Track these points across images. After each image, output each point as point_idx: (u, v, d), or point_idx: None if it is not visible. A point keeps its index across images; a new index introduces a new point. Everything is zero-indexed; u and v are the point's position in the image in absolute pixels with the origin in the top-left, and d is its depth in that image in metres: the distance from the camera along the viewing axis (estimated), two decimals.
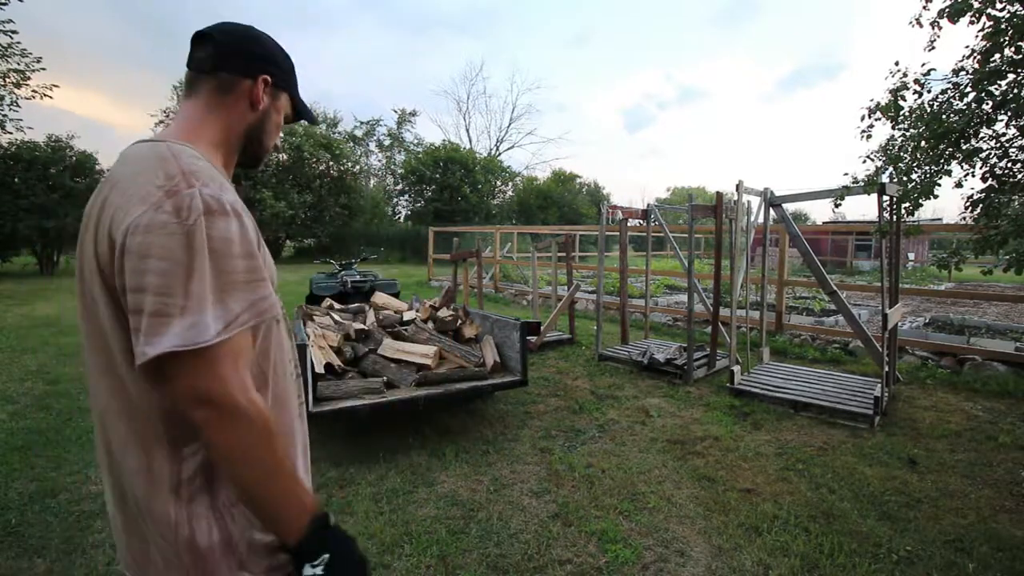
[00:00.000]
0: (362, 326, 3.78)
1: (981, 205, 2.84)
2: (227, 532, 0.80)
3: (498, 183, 28.98)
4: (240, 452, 0.73)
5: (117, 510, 0.85)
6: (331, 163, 22.50)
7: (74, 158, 14.10)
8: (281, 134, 1.08)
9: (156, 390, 0.77)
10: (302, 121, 1.10)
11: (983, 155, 2.77)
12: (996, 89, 2.64)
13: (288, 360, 0.95)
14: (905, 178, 3.14)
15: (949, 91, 2.86)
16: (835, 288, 4.66)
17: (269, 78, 0.95)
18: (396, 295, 5.44)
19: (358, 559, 0.84)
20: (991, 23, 2.59)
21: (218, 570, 0.79)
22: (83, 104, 59.35)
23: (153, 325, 0.70)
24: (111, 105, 62.88)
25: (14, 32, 11.68)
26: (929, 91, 2.97)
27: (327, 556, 0.78)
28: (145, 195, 0.73)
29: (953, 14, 2.71)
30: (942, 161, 2.93)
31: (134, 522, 0.82)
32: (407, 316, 4.15)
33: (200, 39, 0.92)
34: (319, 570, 0.77)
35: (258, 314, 0.78)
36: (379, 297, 4.71)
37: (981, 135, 2.78)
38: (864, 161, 3.41)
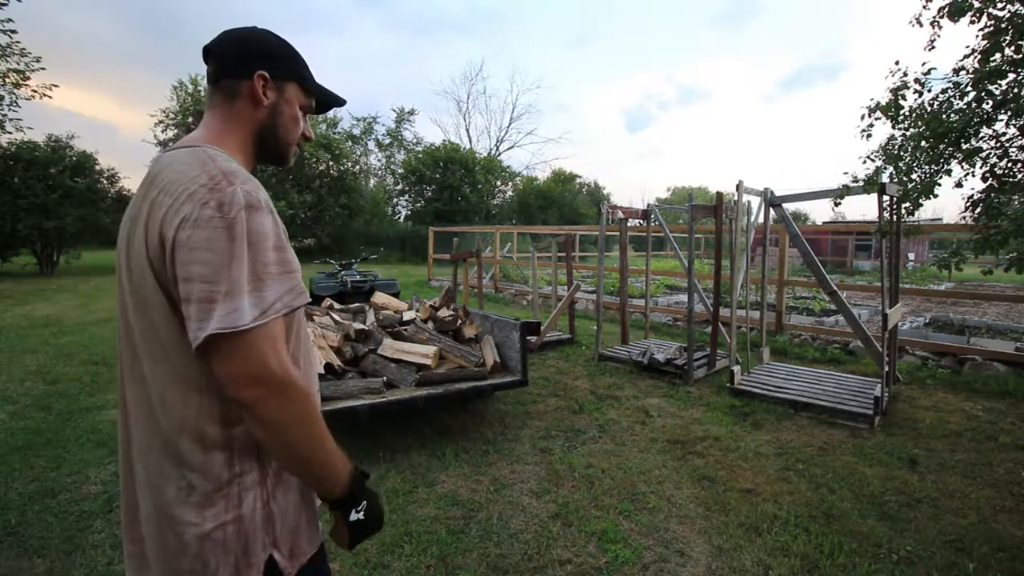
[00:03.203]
0: (362, 326, 3.77)
1: (981, 205, 2.83)
2: (269, 509, 0.87)
3: (498, 183, 28.99)
4: (292, 422, 0.80)
5: (147, 500, 0.86)
6: (331, 163, 22.49)
7: (74, 158, 14.10)
8: (308, 124, 1.05)
9: (212, 373, 0.83)
10: (333, 109, 1.11)
11: (983, 155, 2.76)
12: (996, 88, 2.64)
13: (311, 349, 1.02)
14: (905, 178, 3.13)
15: (949, 90, 2.86)
16: (835, 288, 4.66)
17: (266, 72, 0.95)
18: (396, 295, 5.45)
19: (381, 506, 0.97)
20: (991, 22, 2.59)
21: (255, 544, 0.85)
22: (89, 105, 59.63)
23: (201, 311, 0.76)
24: (115, 105, 63.09)
25: (13, 32, 11.69)
26: (929, 90, 2.97)
27: (365, 503, 0.91)
28: (192, 194, 0.79)
29: (953, 13, 2.70)
30: (942, 161, 2.92)
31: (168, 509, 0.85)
32: (407, 316, 4.14)
33: (206, 54, 0.96)
34: (362, 515, 0.90)
35: (290, 302, 0.83)
36: (379, 297, 4.71)
37: (981, 135, 2.78)
38: (864, 161, 3.40)
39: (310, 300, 1.02)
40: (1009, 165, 2.73)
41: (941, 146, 2.84)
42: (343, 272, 6.06)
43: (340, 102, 1.10)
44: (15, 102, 12.48)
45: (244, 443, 0.85)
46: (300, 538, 0.92)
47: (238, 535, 0.84)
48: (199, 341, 0.75)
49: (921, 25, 2.92)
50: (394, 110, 35.13)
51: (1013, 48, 2.54)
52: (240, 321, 0.76)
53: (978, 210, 2.86)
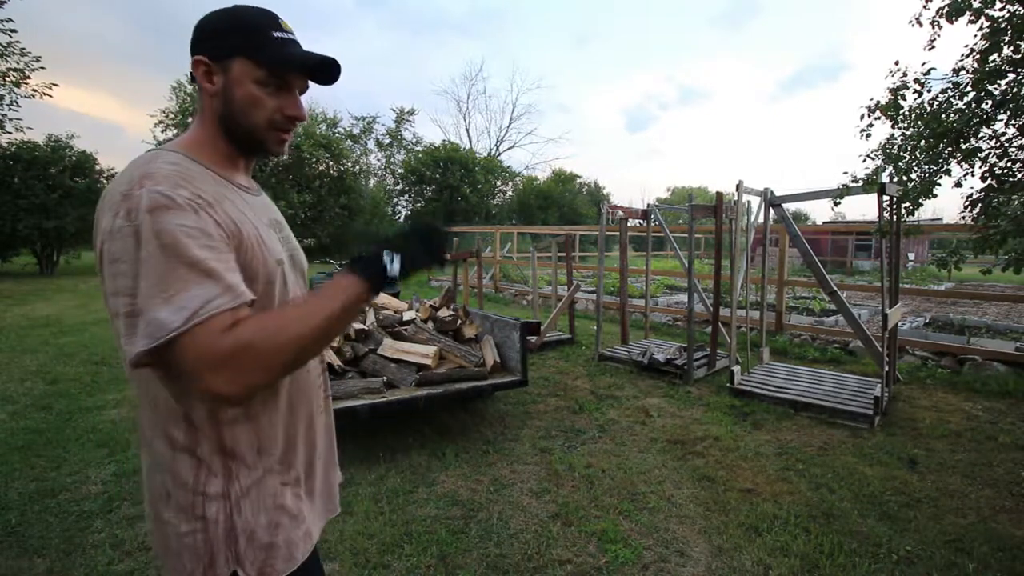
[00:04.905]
0: (362, 326, 3.77)
1: (980, 204, 2.84)
2: (232, 523, 0.84)
3: (498, 183, 28.96)
4: (278, 349, 0.73)
5: (145, 499, 0.90)
6: (331, 163, 22.47)
7: (74, 158, 14.09)
8: (294, 101, 0.91)
9: (158, 382, 0.82)
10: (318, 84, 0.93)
11: (983, 155, 2.76)
12: (995, 88, 2.64)
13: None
14: (905, 177, 3.13)
15: (949, 90, 2.86)
16: (835, 288, 4.66)
17: (204, 56, 0.86)
18: (396, 295, 5.44)
19: (427, 224, 0.90)
20: (990, 23, 2.59)
21: (218, 557, 0.83)
22: (94, 106, 59.88)
23: (127, 325, 0.72)
24: (120, 106, 63.31)
25: (13, 31, 11.69)
26: (929, 90, 2.97)
27: (395, 255, 0.84)
28: (112, 204, 0.76)
29: (951, 13, 2.71)
30: (941, 160, 2.92)
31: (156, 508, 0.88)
32: (407, 316, 4.14)
33: None
34: (396, 264, 0.84)
35: (222, 304, 0.73)
36: (379, 297, 4.71)
37: (981, 134, 2.78)
38: (864, 160, 3.41)
39: (287, 260, 0.93)
40: (1008, 165, 2.73)
41: (940, 146, 2.84)
42: None
43: (322, 74, 0.91)
44: (15, 102, 12.47)
45: (208, 451, 0.83)
46: (274, 557, 0.87)
47: (205, 543, 0.83)
48: (131, 357, 0.71)
49: (921, 25, 2.92)
50: (394, 110, 35.07)
51: (1012, 48, 2.54)
52: (160, 332, 0.69)
53: (977, 209, 2.86)
